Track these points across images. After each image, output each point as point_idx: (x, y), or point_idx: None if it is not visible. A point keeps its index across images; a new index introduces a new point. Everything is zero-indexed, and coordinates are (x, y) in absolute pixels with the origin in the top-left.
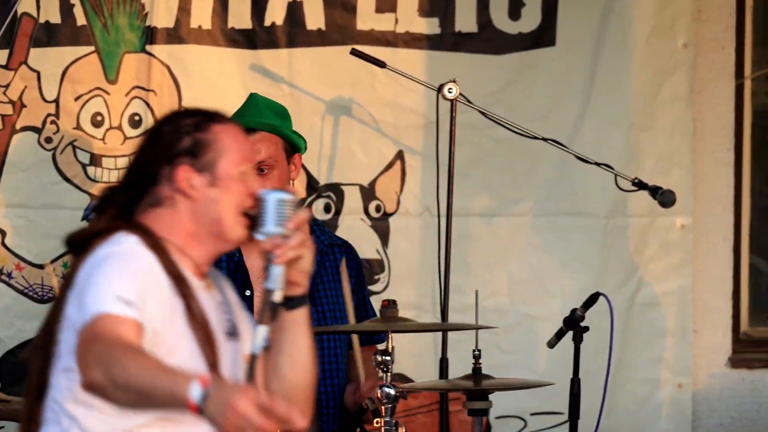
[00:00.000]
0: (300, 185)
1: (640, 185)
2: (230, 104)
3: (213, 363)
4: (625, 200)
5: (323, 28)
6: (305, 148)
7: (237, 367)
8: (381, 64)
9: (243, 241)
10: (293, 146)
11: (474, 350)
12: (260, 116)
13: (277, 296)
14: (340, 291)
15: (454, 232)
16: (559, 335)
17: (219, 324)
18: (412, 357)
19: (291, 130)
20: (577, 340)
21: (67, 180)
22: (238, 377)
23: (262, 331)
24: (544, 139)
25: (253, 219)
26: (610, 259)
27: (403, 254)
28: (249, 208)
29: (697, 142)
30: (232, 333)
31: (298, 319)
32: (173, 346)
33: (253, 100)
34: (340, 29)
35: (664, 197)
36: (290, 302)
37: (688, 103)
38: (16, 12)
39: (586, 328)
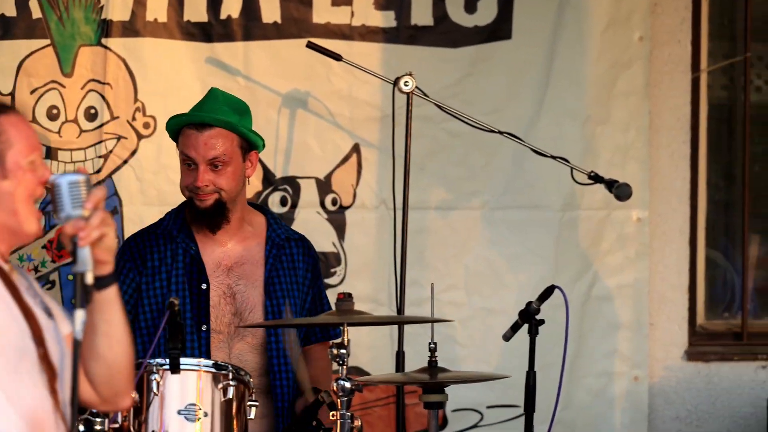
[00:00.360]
0: (256, 179)
1: (596, 178)
2: (186, 97)
3: (40, 339)
4: (581, 193)
5: (279, 21)
6: (263, 146)
7: (60, 346)
8: (337, 57)
9: (38, 234)
10: (250, 143)
11: (430, 343)
12: (217, 112)
13: (89, 278)
14: (295, 285)
15: (410, 226)
16: (515, 328)
17: (34, 305)
18: (368, 350)
19: (249, 128)
20: (533, 333)
21: None
22: (62, 357)
23: (81, 314)
24: (500, 133)
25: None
26: (565, 252)
27: (359, 247)
28: (41, 196)
29: (653, 135)
30: (49, 313)
31: (110, 298)
32: (2, 325)
33: (212, 94)
34: (296, 22)
35: (620, 190)
36: (100, 281)
37: (644, 96)
38: None
39: (542, 321)
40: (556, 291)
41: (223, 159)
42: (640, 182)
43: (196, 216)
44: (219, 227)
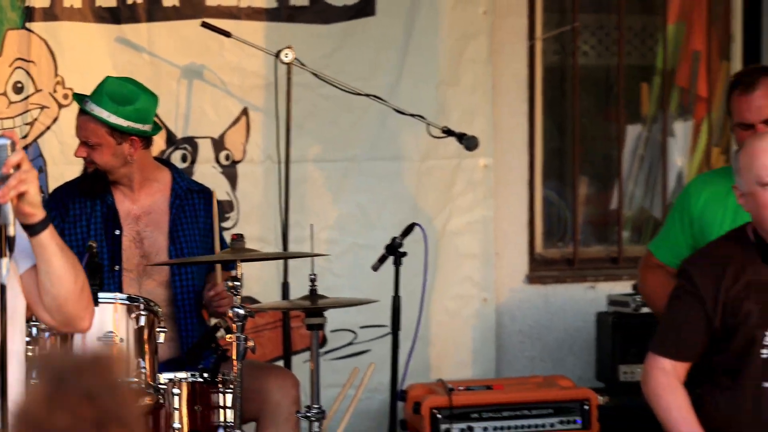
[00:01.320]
0: (160, 138)
1: (448, 132)
2: (99, 71)
3: None
4: (436, 146)
5: (177, 4)
6: (150, 131)
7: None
8: (227, 35)
9: None
10: (128, 130)
11: (310, 275)
12: (99, 102)
13: (11, 231)
14: (197, 230)
15: (291, 176)
16: (382, 260)
17: None
18: (259, 282)
19: (128, 115)
20: (397, 264)
21: None
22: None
23: (5, 262)
24: (367, 95)
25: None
26: (424, 195)
27: (249, 196)
28: None
29: (497, 95)
30: None
31: (43, 242)
32: None
33: (101, 84)
34: (192, 5)
35: (469, 142)
36: (31, 229)
37: (488, 62)
38: None
39: (405, 254)
40: (417, 228)
41: (94, 142)
42: (486, 135)
43: (85, 177)
44: (103, 189)
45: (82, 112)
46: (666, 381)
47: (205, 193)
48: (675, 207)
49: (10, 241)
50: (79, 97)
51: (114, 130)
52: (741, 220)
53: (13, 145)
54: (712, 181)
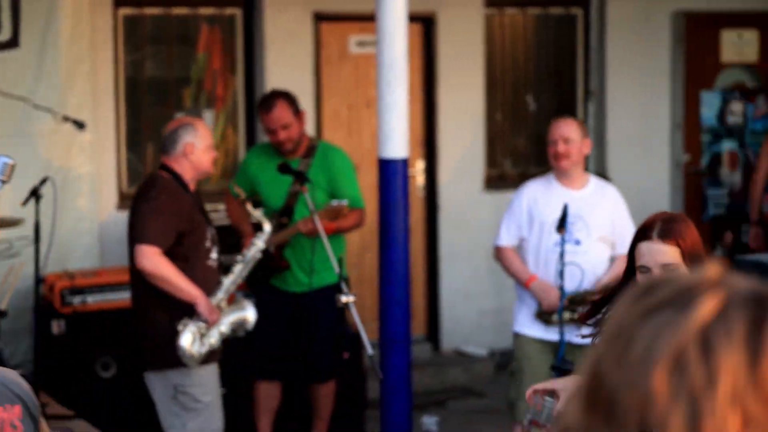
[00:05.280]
0: None
1: (68, 119)
2: None
3: None
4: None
5: None
6: None
7: None
8: None
9: None
10: None
11: None
12: None
13: None
14: None
15: None
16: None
17: None
18: None
19: None
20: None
21: None
22: None
23: None
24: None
25: None
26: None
27: None
28: None
29: (98, 94)
30: None
31: None
32: None
33: None
34: None
35: (81, 125)
36: None
37: (91, 74)
38: None
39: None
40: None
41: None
42: (90, 120)
43: None
44: None
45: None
46: None
47: None
48: (242, 165)
49: None
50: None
51: None
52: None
53: None
54: (260, 152)
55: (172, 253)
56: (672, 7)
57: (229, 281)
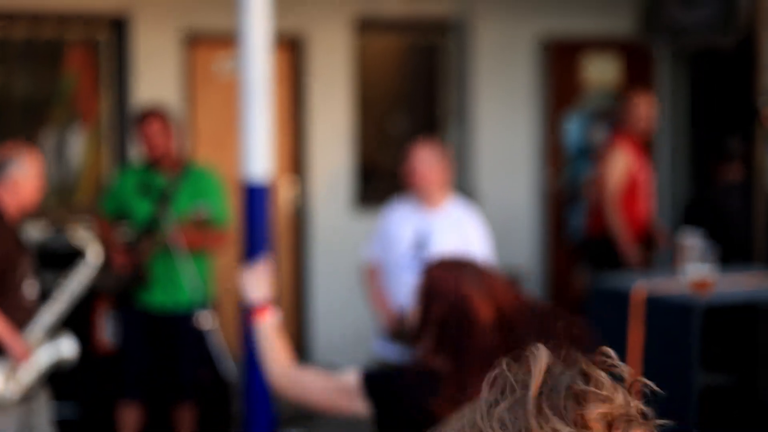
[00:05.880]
0: None
1: None
2: None
3: None
4: None
5: None
6: None
7: None
8: None
9: None
10: None
11: None
12: None
13: None
14: None
15: None
16: None
17: None
18: None
19: None
20: None
21: None
22: None
23: None
24: None
25: None
26: None
27: None
28: None
29: None
30: None
31: None
32: None
33: None
34: None
35: None
36: None
37: None
38: None
39: None
40: None
41: None
42: None
43: None
44: None
45: None
46: None
47: None
48: (111, 184)
49: None
50: None
51: None
52: None
53: None
54: (130, 171)
55: None
56: (534, 31)
57: (47, 315)
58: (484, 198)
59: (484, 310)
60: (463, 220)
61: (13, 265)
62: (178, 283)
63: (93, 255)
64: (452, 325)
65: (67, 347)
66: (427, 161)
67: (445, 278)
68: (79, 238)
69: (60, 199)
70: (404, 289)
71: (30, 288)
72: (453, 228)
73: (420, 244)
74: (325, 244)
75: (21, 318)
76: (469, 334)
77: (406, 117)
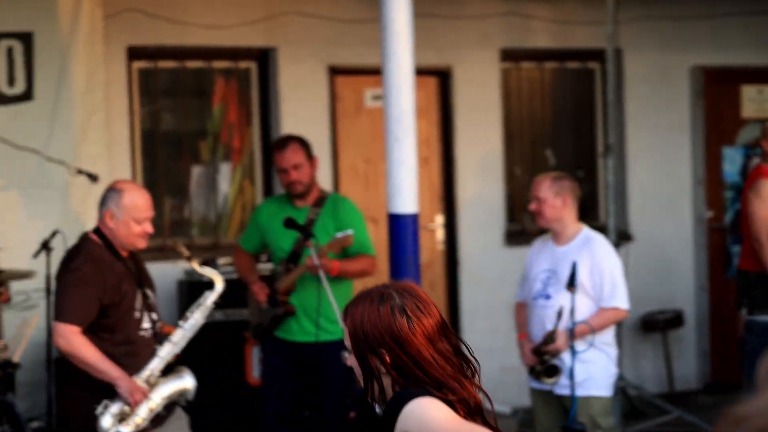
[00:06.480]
0: None
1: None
2: None
3: None
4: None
5: None
6: None
7: None
8: None
9: None
10: None
11: None
12: None
13: None
14: None
15: None
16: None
17: None
18: None
19: None
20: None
21: None
22: None
23: None
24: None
25: None
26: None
27: None
28: None
29: (113, 146)
30: None
31: None
32: None
33: None
34: None
35: (94, 178)
36: None
37: (106, 129)
38: None
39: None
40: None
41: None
42: (104, 173)
43: None
44: None
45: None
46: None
47: None
48: (252, 217)
49: None
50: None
51: None
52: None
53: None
54: (271, 203)
55: (97, 326)
56: (690, 62)
57: (165, 352)
58: (639, 235)
59: (419, 329)
60: (590, 253)
61: (129, 303)
62: (324, 313)
63: (216, 288)
64: (402, 364)
65: (189, 381)
66: (549, 199)
67: (368, 319)
68: (206, 271)
69: (207, 232)
70: (538, 326)
71: (148, 322)
72: (582, 262)
73: (549, 280)
74: (474, 279)
75: (137, 352)
76: (421, 362)
77: (557, 148)
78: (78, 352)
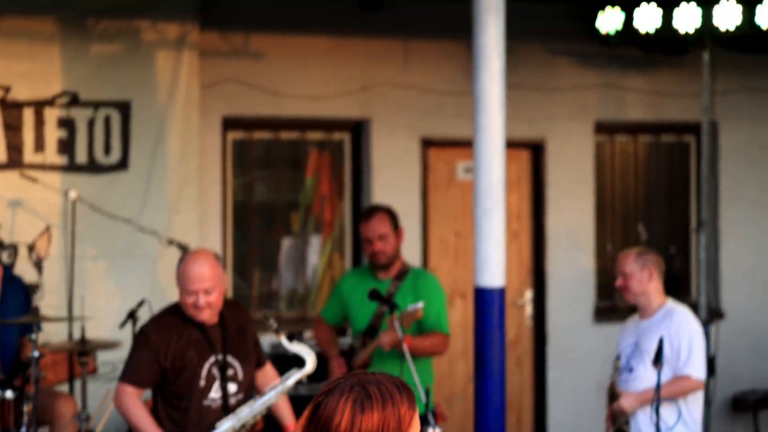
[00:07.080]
0: None
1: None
2: None
3: None
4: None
5: (5, 161)
6: None
7: None
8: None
9: None
10: None
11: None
12: None
13: None
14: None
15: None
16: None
17: None
18: (57, 332)
19: None
20: None
21: None
22: None
23: None
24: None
25: None
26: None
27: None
28: None
29: (205, 218)
30: None
31: None
32: None
33: None
34: (14, 161)
35: (186, 248)
36: None
37: (198, 199)
38: None
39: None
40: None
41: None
42: (196, 244)
43: None
44: None
45: None
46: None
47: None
48: (334, 288)
49: None
50: None
51: None
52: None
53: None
54: (353, 274)
55: (165, 390)
56: None
57: (224, 427)
58: (730, 312)
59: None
60: (671, 323)
61: (190, 366)
62: None
63: (305, 368)
64: None
65: None
66: (636, 273)
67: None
68: (298, 348)
69: (294, 305)
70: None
71: (218, 392)
72: (658, 332)
73: (632, 354)
74: (562, 357)
75: (197, 420)
76: None
77: (649, 223)
78: (127, 413)
